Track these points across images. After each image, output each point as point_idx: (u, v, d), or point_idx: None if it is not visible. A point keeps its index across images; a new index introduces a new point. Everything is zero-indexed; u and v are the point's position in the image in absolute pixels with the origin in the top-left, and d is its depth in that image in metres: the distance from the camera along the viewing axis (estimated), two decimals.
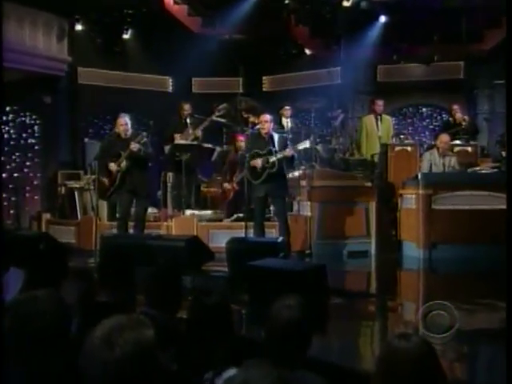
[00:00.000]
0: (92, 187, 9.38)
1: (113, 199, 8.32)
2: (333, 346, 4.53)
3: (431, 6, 11.09)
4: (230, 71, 12.30)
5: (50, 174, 11.21)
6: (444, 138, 8.85)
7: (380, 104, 10.59)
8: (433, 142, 9.20)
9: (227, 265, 6.67)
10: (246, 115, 10.09)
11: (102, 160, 8.00)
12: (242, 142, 9.15)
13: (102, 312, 2.49)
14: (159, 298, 3.12)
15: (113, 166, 7.80)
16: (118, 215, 8.26)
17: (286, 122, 10.37)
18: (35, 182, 11.53)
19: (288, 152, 7.36)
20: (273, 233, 7.74)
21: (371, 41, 11.66)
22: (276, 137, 7.60)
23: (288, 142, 7.70)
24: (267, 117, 7.64)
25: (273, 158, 7.37)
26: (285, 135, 8.12)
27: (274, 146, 7.45)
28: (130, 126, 7.96)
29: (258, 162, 7.37)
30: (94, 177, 9.07)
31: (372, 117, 10.59)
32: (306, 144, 7.75)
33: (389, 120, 10.72)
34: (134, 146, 7.72)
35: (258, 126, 7.67)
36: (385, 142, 9.95)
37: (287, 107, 10.41)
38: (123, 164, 7.80)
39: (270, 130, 7.55)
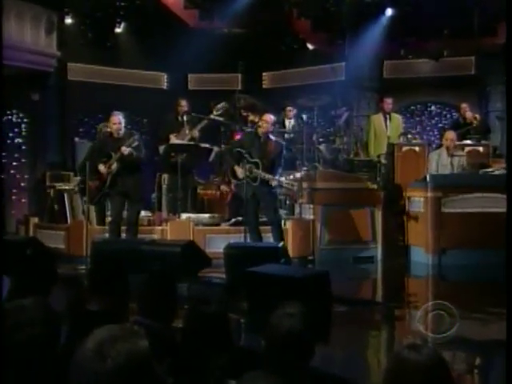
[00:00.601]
0: (76, 188, 9.39)
1: (102, 202, 8.33)
2: (336, 356, 4.53)
3: None
4: (228, 67, 12.31)
5: (38, 175, 11.21)
6: (449, 135, 8.88)
7: (389, 102, 10.61)
8: (441, 142, 9.23)
9: (225, 271, 6.67)
10: (245, 113, 10.10)
11: (92, 161, 7.99)
12: None
13: (93, 321, 2.50)
14: (153, 306, 3.12)
15: (102, 168, 7.81)
16: (109, 219, 8.26)
17: (289, 122, 10.37)
18: (22, 184, 11.54)
19: (272, 181, 7.34)
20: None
21: (377, 35, 11.67)
22: (273, 140, 7.59)
23: (284, 150, 7.69)
24: (270, 117, 7.65)
25: (256, 173, 7.35)
26: (282, 142, 8.08)
27: (267, 149, 7.44)
28: (123, 124, 7.97)
29: (240, 171, 7.35)
30: (79, 179, 9.09)
31: (380, 116, 10.61)
32: (294, 186, 7.73)
33: (398, 119, 10.72)
34: (125, 150, 7.74)
35: (259, 125, 7.66)
36: (394, 142, 9.95)
37: (289, 108, 10.40)
38: (114, 166, 7.81)
39: (269, 132, 7.55)
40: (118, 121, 7.91)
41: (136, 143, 7.83)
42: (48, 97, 11.65)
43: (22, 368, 2.07)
